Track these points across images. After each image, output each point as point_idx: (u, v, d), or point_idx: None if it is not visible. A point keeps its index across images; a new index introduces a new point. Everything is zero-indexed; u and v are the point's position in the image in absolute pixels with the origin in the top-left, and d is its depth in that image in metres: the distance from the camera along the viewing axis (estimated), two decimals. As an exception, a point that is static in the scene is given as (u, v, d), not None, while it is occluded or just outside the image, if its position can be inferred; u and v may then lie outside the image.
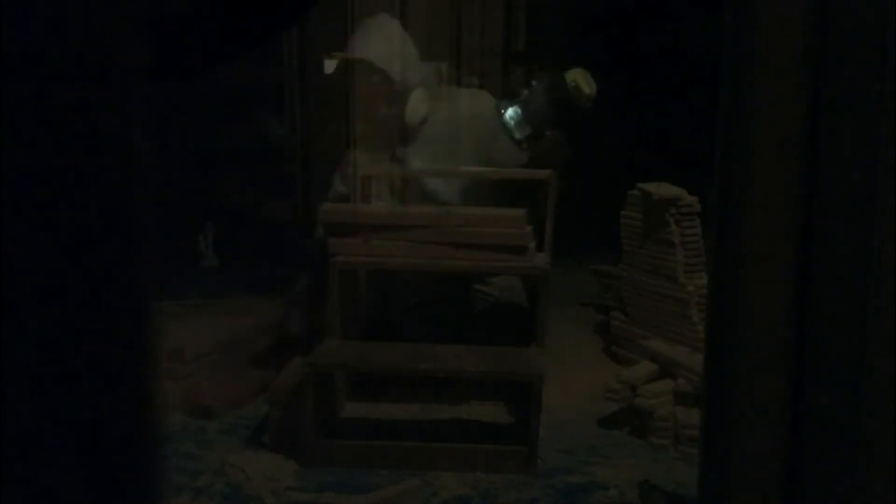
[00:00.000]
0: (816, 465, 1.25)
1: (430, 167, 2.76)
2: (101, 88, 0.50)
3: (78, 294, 0.51)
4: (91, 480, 0.53)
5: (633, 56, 4.56)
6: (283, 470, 2.09)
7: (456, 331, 2.62)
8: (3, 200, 0.48)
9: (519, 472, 2.08)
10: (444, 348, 2.32)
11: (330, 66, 2.82)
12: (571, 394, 2.55)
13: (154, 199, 0.53)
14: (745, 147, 1.22)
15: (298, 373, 2.19)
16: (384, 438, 2.21)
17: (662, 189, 2.59)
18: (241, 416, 2.42)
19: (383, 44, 2.74)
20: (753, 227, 1.23)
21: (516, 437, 2.20)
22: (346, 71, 2.73)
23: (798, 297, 1.23)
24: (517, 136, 2.76)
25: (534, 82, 2.88)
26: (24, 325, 0.50)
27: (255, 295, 3.18)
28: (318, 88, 3.44)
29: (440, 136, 2.76)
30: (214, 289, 3.44)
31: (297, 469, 2.10)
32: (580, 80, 2.75)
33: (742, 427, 1.28)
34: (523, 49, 4.34)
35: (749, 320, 1.25)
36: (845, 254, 1.19)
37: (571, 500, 1.97)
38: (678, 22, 4.31)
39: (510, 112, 2.76)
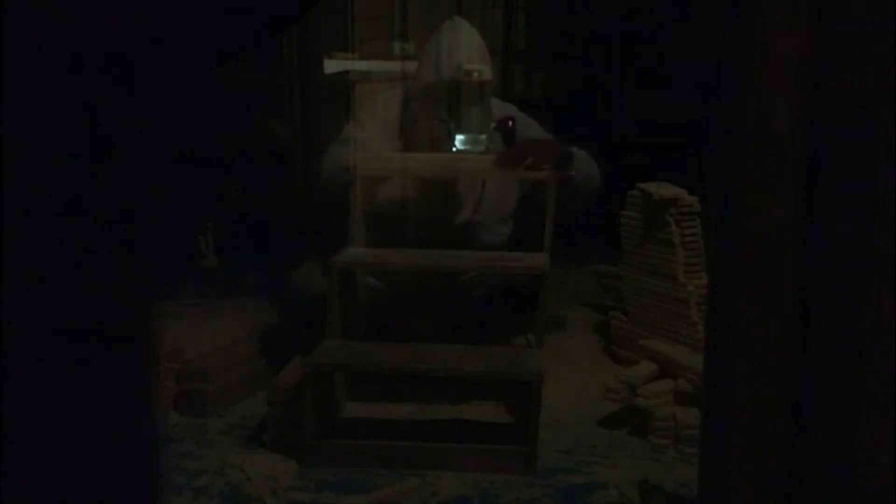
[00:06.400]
0: (816, 465, 1.25)
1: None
2: (110, 85, 0.50)
3: (78, 293, 0.51)
4: (91, 481, 0.53)
5: (634, 55, 4.56)
6: (283, 470, 2.09)
7: (455, 331, 2.62)
8: (5, 198, 0.48)
9: (519, 472, 2.08)
10: (444, 348, 2.32)
11: (329, 66, 2.80)
12: (571, 394, 2.55)
13: (157, 198, 0.53)
14: (745, 146, 1.22)
15: (298, 373, 2.19)
16: (384, 438, 2.21)
17: (662, 189, 2.59)
18: (241, 416, 2.42)
19: (476, 49, 2.68)
20: (753, 227, 1.23)
21: (516, 437, 2.20)
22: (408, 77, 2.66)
23: (798, 297, 1.23)
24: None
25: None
26: (24, 325, 0.50)
27: (254, 295, 3.19)
28: (319, 88, 3.44)
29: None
30: (214, 289, 3.44)
31: (297, 469, 2.10)
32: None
33: (742, 427, 1.28)
34: (523, 49, 4.35)
35: (749, 320, 1.25)
36: (846, 253, 1.19)
37: (571, 500, 1.97)
38: (679, 21, 4.31)
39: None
